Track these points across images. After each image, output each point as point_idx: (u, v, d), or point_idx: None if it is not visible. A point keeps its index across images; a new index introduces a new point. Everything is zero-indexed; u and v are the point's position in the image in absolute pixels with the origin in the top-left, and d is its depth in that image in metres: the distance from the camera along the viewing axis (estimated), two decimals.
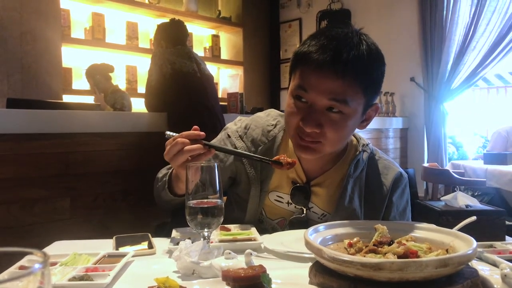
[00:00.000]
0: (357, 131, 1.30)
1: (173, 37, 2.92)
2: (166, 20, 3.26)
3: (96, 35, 4.08)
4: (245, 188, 1.26)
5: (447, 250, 0.72)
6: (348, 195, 1.21)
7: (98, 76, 3.76)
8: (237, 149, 1.25)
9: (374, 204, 1.23)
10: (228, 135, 1.30)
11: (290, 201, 1.24)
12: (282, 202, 1.26)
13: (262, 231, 1.23)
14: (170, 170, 1.21)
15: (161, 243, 1.09)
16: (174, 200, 1.20)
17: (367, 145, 1.28)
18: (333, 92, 1.03)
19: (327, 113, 1.06)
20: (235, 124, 1.32)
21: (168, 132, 1.09)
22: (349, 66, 1.02)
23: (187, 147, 1.02)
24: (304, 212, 1.24)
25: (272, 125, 1.29)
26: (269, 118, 1.32)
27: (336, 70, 1.01)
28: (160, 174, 1.27)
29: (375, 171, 1.25)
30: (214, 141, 1.29)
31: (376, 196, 1.23)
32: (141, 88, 4.13)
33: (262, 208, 1.27)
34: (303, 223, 1.23)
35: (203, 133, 1.06)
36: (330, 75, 1.02)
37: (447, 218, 1.05)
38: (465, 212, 1.06)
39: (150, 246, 1.06)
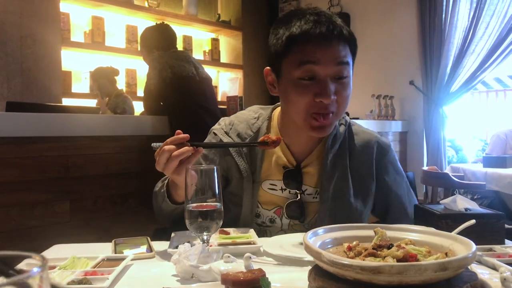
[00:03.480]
0: None
1: (164, 42, 2.92)
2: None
3: (95, 38, 4.09)
4: (238, 183, 1.28)
5: (446, 254, 0.71)
6: (329, 169, 1.24)
7: (103, 79, 3.77)
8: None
9: (363, 177, 1.27)
10: (214, 133, 1.34)
11: (283, 187, 1.27)
12: (276, 189, 1.28)
13: (260, 226, 1.27)
14: (166, 181, 1.22)
15: (160, 246, 1.09)
16: (176, 209, 1.20)
17: (343, 118, 1.31)
18: (338, 56, 1.12)
19: (335, 81, 1.13)
20: (219, 124, 1.37)
21: (154, 144, 1.09)
22: (344, 32, 1.14)
23: (174, 153, 1.03)
24: (299, 196, 1.26)
25: (255, 118, 1.33)
26: (250, 112, 1.37)
27: (337, 36, 1.12)
28: (156, 188, 1.28)
29: (356, 144, 1.30)
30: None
31: (363, 169, 1.27)
32: (141, 91, 4.13)
33: (257, 201, 1.28)
34: (300, 206, 1.25)
35: (187, 135, 1.07)
36: (332, 42, 1.12)
37: (447, 221, 1.05)
38: (464, 216, 1.06)
39: (149, 249, 1.06)
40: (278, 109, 1.34)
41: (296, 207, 1.26)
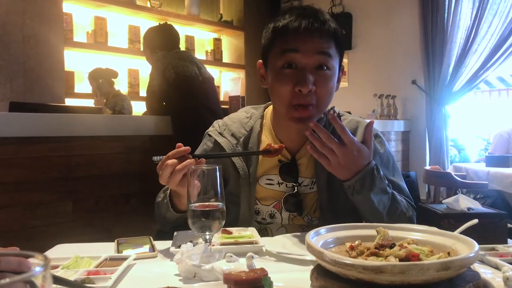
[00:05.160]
0: None
1: (167, 42, 2.92)
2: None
3: (98, 38, 4.09)
4: (235, 182, 1.29)
5: (448, 253, 0.71)
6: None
7: (101, 80, 3.78)
8: (219, 144, 1.29)
9: None
10: (209, 135, 1.35)
11: (280, 181, 1.28)
12: (273, 184, 1.29)
13: (260, 224, 1.28)
14: (168, 191, 1.22)
15: (162, 246, 1.09)
16: (180, 217, 1.20)
17: (331, 108, 1.32)
18: (319, 47, 1.15)
19: (316, 72, 1.15)
20: (212, 126, 1.38)
21: (155, 158, 1.10)
22: (326, 25, 1.16)
23: (178, 167, 1.04)
24: (296, 189, 1.27)
25: (247, 117, 1.36)
26: (242, 113, 1.39)
27: (319, 28, 1.15)
28: (158, 199, 1.28)
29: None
30: (198, 149, 1.34)
31: None
32: (143, 92, 4.14)
33: (255, 198, 1.29)
34: (298, 200, 1.27)
35: (188, 147, 1.08)
36: (314, 33, 1.14)
37: (449, 221, 1.05)
38: (467, 215, 1.06)
39: (152, 249, 1.06)
40: (270, 107, 1.37)
41: (293, 200, 1.27)
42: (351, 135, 1.12)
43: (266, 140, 1.31)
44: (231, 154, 1.28)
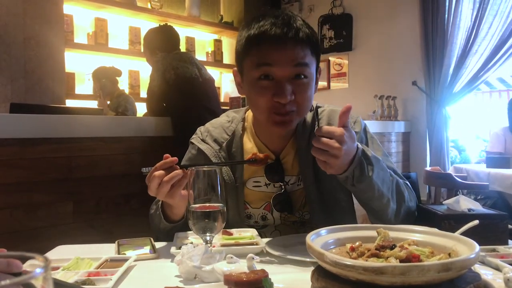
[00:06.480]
0: None
1: (167, 43, 2.92)
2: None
3: (99, 40, 4.10)
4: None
5: (449, 254, 0.71)
6: (304, 154, 1.25)
7: (105, 79, 3.77)
8: (202, 152, 1.29)
9: None
10: (192, 142, 1.35)
11: (267, 182, 1.29)
12: (260, 185, 1.30)
13: (253, 227, 1.26)
14: (159, 202, 1.22)
15: (163, 247, 1.09)
16: (175, 227, 1.20)
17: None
18: (295, 59, 1.12)
19: (294, 81, 1.13)
20: (195, 134, 1.38)
21: (144, 169, 1.10)
22: (300, 33, 1.12)
23: (165, 178, 1.04)
24: (284, 187, 1.28)
25: (229, 121, 1.36)
26: (224, 117, 1.39)
27: (294, 38, 1.11)
28: (151, 211, 1.28)
29: (326, 122, 1.30)
30: (184, 157, 1.34)
31: None
32: (144, 93, 4.14)
33: (244, 202, 1.29)
34: (286, 199, 1.27)
35: (175, 158, 1.08)
36: (289, 44, 1.11)
37: (450, 222, 1.05)
38: (467, 216, 1.06)
39: (153, 250, 1.06)
40: None
41: (282, 199, 1.27)
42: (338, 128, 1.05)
43: (249, 142, 1.31)
44: (218, 164, 1.26)
